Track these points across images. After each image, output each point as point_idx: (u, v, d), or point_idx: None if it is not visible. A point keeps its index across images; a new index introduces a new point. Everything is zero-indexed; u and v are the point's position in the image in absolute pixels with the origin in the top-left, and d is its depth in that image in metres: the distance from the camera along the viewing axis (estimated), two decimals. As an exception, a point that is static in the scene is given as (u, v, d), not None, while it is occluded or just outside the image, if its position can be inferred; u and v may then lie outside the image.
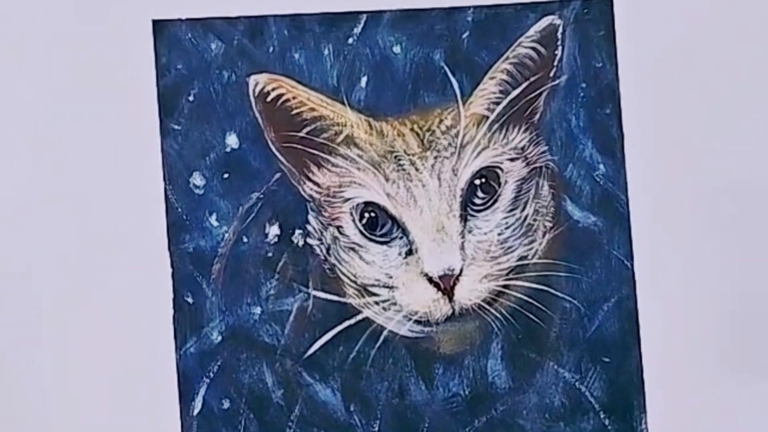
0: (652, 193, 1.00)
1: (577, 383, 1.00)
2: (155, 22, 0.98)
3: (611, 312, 1.00)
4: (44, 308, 0.98)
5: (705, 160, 1.00)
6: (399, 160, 0.98)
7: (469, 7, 1.00)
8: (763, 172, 1.01)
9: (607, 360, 1.00)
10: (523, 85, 0.99)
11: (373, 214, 0.98)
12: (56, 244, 0.98)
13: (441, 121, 0.99)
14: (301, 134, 0.98)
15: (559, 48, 1.00)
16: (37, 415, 0.98)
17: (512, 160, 1.00)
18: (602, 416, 1.00)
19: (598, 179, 1.00)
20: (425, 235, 0.97)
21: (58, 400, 0.98)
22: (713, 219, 1.00)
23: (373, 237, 0.98)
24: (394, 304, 0.98)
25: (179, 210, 0.99)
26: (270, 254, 0.99)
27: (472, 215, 0.99)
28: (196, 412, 0.99)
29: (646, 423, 1.00)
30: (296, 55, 0.99)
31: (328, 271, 0.99)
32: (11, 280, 0.98)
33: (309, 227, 0.99)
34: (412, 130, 0.99)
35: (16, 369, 0.98)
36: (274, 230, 0.99)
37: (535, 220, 1.00)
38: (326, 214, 0.99)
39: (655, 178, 1.00)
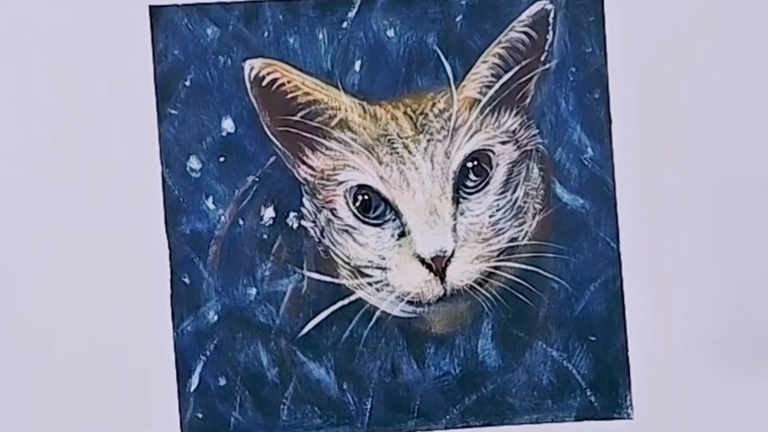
0: (638, 177, 1.01)
1: (564, 362, 1.02)
2: (152, 8, 0.99)
3: (598, 292, 1.02)
4: (43, 288, 1.00)
5: (691, 146, 1.01)
6: (392, 143, 1.00)
7: (462, -9, 1.01)
8: (748, 158, 1.02)
9: (593, 339, 1.02)
10: (515, 69, 1.00)
11: (366, 197, 1.00)
12: (56, 227, 1.00)
13: (434, 104, 1.00)
14: (296, 118, 0.99)
15: (550, 33, 1.01)
16: (37, 394, 1.00)
17: (504, 143, 1.01)
18: (588, 394, 1.02)
19: (586, 162, 1.02)
20: (418, 217, 0.99)
21: (57, 378, 1.00)
22: (698, 203, 1.02)
23: (367, 219, 1.00)
24: (387, 285, 1.00)
25: (176, 193, 1.00)
26: (265, 236, 1.00)
27: (464, 198, 1.00)
28: (192, 388, 1.01)
29: (631, 400, 1.02)
30: (291, 40, 1.00)
31: (322, 252, 1.01)
32: (11, 262, 1.00)
33: (303, 210, 1.00)
34: (405, 113, 1.00)
35: (16, 348, 1.00)
36: (269, 213, 1.00)
37: (525, 202, 1.01)
38: (320, 197, 1.00)
39: (642, 162, 1.01)
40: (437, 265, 0.99)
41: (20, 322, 1.00)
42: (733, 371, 1.02)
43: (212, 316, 1.01)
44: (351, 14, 1.00)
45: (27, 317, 1.00)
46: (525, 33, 1.00)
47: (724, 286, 1.02)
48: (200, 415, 1.01)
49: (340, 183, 1.00)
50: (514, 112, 1.01)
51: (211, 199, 1.00)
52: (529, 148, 1.01)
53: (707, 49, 1.01)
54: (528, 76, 1.01)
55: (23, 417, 1.00)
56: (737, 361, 1.02)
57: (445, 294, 1.00)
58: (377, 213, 1.00)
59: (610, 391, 1.02)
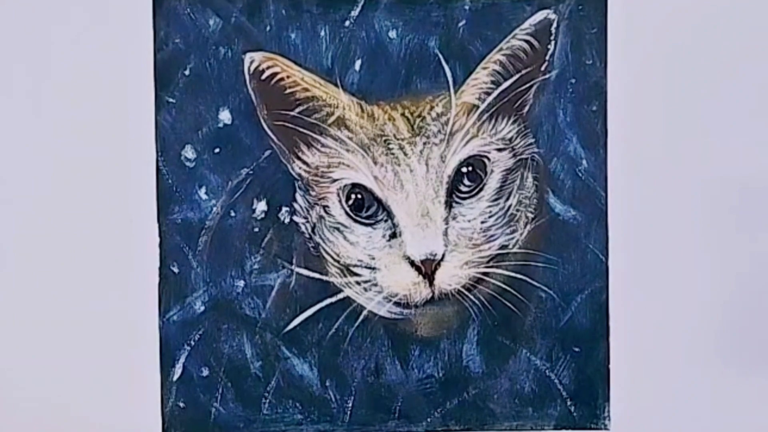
0: (630, 191, 1.02)
1: (547, 371, 1.03)
2: (155, -5, 0.99)
3: (584, 303, 1.02)
4: (33, 270, 1.00)
5: (685, 162, 1.02)
6: (388, 144, 1.00)
7: (466, -4, 1.01)
8: (742, 174, 1.03)
9: (576, 350, 1.03)
10: (515, 77, 1.00)
11: (359, 196, 1.00)
12: (48, 209, 0.99)
13: (432, 107, 1.00)
14: (293, 113, 0.99)
15: (552, 43, 1.01)
16: (21, 377, 1.00)
17: (500, 150, 1.01)
18: (569, 403, 1.03)
19: (580, 174, 1.02)
20: (410, 219, 0.99)
21: (41, 361, 1.00)
22: (689, 221, 1.02)
23: (359, 218, 1.00)
24: (375, 285, 1.00)
25: (170, 182, 1.00)
26: (256, 229, 1.00)
27: (457, 202, 1.00)
28: (176, 377, 1.01)
29: (608, 411, 1.03)
30: (293, 35, 1.00)
31: (312, 249, 1.01)
32: (2, 246, 1.00)
33: (296, 205, 1.00)
34: (403, 115, 1.00)
35: (3, 331, 1.00)
36: (261, 206, 1.00)
37: (517, 210, 1.02)
38: (313, 194, 1.00)
39: (635, 177, 1.02)
40: (427, 268, 0.99)
41: (10, 310, 1.00)
42: (713, 387, 1.03)
43: (199, 306, 1.01)
44: (354, 13, 1.00)
45: (13, 295, 1.00)
46: (527, 41, 1.00)
47: (709, 304, 1.03)
48: (182, 405, 1.01)
49: (334, 181, 1.00)
50: (511, 120, 1.01)
51: (204, 189, 1.00)
52: (524, 156, 1.02)
53: (706, 67, 1.02)
54: (527, 85, 1.01)
55: (7, 397, 1.01)
56: (717, 377, 1.03)
57: (432, 297, 1.00)
58: (369, 213, 1.00)
59: (589, 402, 1.03)
